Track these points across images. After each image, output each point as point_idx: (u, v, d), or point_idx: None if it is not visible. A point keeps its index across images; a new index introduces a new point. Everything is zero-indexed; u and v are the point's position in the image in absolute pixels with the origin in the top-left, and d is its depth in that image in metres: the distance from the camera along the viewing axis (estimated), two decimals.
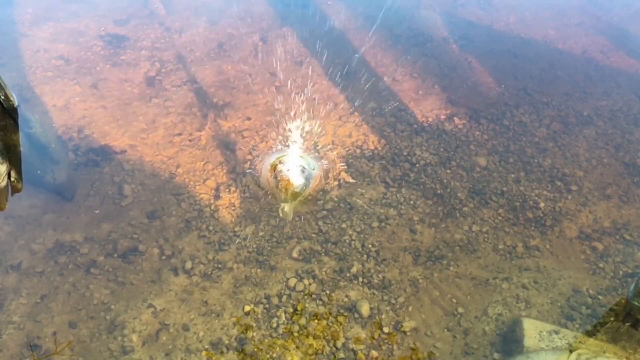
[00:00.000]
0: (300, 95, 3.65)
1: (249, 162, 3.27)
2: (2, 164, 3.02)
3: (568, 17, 4.70)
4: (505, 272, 2.89)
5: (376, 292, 2.75)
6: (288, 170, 3.13)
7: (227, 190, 3.12)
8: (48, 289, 2.65)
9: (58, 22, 4.13)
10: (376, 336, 2.60)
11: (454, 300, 2.75)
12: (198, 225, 2.94)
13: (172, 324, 2.57)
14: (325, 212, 3.05)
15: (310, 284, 2.75)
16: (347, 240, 2.94)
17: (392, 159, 3.37)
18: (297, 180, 3.08)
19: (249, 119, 3.53)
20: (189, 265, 2.78)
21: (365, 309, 2.67)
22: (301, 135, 3.32)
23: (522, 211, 3.18)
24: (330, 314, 2.65)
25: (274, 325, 2.59)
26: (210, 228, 2.94)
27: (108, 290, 2.66)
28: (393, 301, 2.72)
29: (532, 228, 3.09)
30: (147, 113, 3.52)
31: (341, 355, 2.52)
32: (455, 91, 3.90)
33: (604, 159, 3.52)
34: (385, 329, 2.62)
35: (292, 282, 2.74)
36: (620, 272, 2.92)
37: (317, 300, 2.69)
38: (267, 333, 2.56)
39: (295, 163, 3.17)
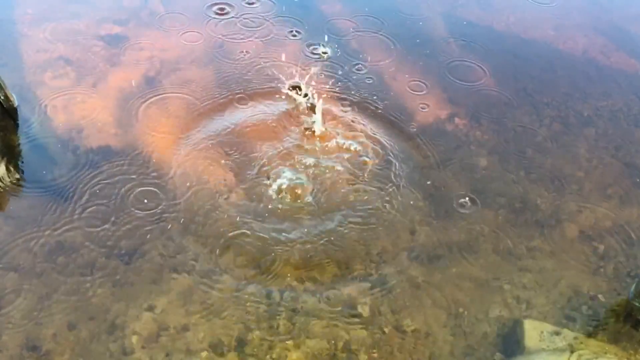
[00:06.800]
0: (301, 95, 3.66)
1: (251, 164, 3.27)
2: (1, 164, 3.02)
3: (568, 17, 4.70)
4: (506, 272, 2.89)
5: (376, 293, 2.74)
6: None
7: (229, 191, 3.12)
8: (48, 290, 2.65)
9: (58, 22, 4.13)
10: (376, 337, 2.59)
11: (455, 301, 2.75)
12: (199, 226, 2.94)
13: (172, 324, 2.57)
14: (324, 213, 3.05)
15: (310, 284, 2.74)
16: (348, 242, 2.93)
17: (390, 160, 3.36)
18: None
19: (250, 119, 3.53)
20: (189, 265, 2.78)
21: (365, 310, 2.67)
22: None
23: (523, 212, 3.17)
24: (331, 314, 2.65)
25: (275, 325, 2.59)
26: (212, 228, 2.93)
27: (108, 291, 2.66)
28: (393, 302, 2.72)
29: (533, 228, 3.09)
30: (147, 113, 3.52)
31: (341, 355, 2.51)
32: (456, 91, 3.90)
33: (604, 159, 3.52)
34: (386, 330, 2.62)
35: (293, 283, 2.74)
36: (621, 273, 2.92)
37: (318, 301, 2.69)
38: (268, 334, 2.56)
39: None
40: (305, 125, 3.49)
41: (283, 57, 3.94)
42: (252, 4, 4.34)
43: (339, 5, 4.57)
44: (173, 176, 3.16)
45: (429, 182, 3.27)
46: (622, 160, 3.53)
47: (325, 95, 3.71)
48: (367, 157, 3.35)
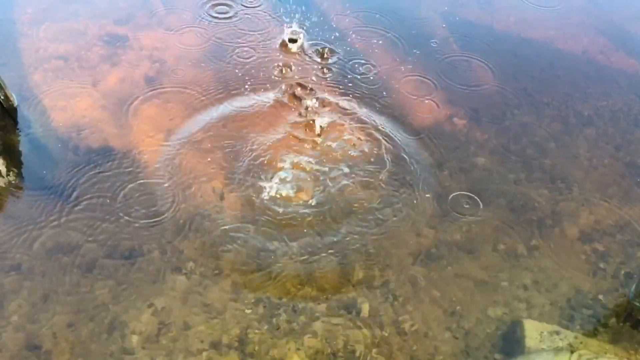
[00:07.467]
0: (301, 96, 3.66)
1: (252, 165, 3.27)
2: (1, 164, 3.03)
3: (568, 17, 4.70)
4: (506, 272, 2.89)
5: (376, 292, 2.74)
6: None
7: (229, 191, 3.12)
8: (48, 290, 2.64)
9: (58, 22, 4.13)
10: (376, 336, 2.59)
11: (455, 301, 2.75)
12: (199, 226, 2.94)
13: (173, 324, 2.57)
14: (323, 214, 3.05)
15: (311, 285, 2.74)
16: (348, 241, 2.93)
17: (390, 161, 3.36)
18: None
19: (252, 120, 3.53)
20: (189, 265, 2.78)
21: (365, 309, 2.67)
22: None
23: (523, 212, 3.17)
24: (331, 314, 2.65)
25: (275, 325, 2.59)
26: (212, 228, 2.93)
27: (108, 291, 2.66)
28: (393, 301, 2.72)
29: (533, 228, 3.09)
30: (147, 113, 3.52)
31: (342, 355, 2.52)
32: (455, 91, 3.90)
33: (604, 159, 3.52)
34: (386, 330, 2.62)
35: (293, 282, 2.74)
36: (621, 273, 2.93)
37: (318, 300, 2.69)
38: (268, 333, 2.56)
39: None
40: (306, 121, 3.50)
41: (280, 57, 3.94)
42: (255, 6, 4.37)
43: (339, 5, 4.56)
44: (174, 175, 3.16)
45: (429, 182, 3.27)
46: (622, 160, 3.53)
47: (326, 95, 3.71)
48: (371, 158, 3.35)
